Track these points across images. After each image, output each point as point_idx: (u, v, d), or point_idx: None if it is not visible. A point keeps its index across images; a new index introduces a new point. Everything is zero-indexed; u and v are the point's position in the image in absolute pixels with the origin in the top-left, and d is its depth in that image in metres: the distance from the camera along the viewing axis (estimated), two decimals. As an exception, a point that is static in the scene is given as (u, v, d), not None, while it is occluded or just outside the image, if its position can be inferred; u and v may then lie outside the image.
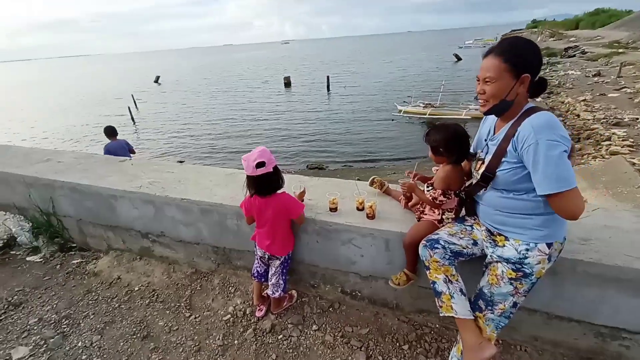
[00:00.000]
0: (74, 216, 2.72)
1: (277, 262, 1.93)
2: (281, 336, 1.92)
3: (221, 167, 2.73)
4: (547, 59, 26.99)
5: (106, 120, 20.85)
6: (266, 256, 1.93)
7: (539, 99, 15.48)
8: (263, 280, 2.01)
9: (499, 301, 1.32)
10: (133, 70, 75.67)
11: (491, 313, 1.35)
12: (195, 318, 2.08)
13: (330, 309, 2.10)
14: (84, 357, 1.85)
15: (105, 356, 1.85)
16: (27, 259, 2.72)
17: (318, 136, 14.97)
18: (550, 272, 1.49)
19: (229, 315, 2.07)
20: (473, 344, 1.34)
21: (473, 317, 1.37)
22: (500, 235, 1.33)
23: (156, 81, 42.06)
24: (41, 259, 2.71)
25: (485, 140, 1.39)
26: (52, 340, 1.94)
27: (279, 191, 1.79)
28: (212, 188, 2.32)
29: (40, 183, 2.69)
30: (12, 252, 2.79)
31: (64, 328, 2.04)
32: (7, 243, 2.80)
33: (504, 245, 1.30)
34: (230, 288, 2.30)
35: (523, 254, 1.24)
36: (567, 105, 14.64)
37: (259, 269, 2.00)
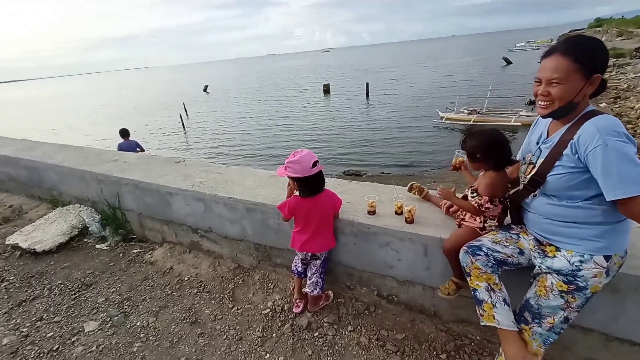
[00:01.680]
0: (136, 210, 3.04)
1: (318, 262, 2.00)
2: (317, 333, 1.98)
3: (264, 170, 2.89)
4: (614, 60, 24.34)
5: (160, 126, 22.78)
6: (307, 257, 2.00)
7: (603, 105, 14.03)
8: (303, 276, 2.09)
9: (548, 314, 1.26)
10: (185, 80, 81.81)
11: (538, 327, 1.29)
12: (237, 309, 2.22)
13: (366, 312, 2.11)
14: (141, 335, 2.06)
15: (159, 336, 2.05)
16: (97, 246, 3.08)
17: (356, 143, 14.94)
18: (610, 289, 1.39)
19: (268, 310, 2.18)
20: (516, 358, 1.28)
21: (517, 329, 1.32)
22: (550, 245, 1.27)
23: (205, 90, 45.02)
24: (107, 247, 3.06)
25: (537, 143, 1.33)
26: (116, 318, 2.19)
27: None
28: (255, 188, 2.47)
29: (109, 180, 3.05)
30: (84, 240, 3.18)
31: (126, 308, 2.29)
32: (81, 231, 3.21)
33: (554, 256, 1.24)
34: (270, 284, 2.41)
35: (576, 265, 1.17)
36: (639, 111, 13.07)
37: (299, 268, 2.08)
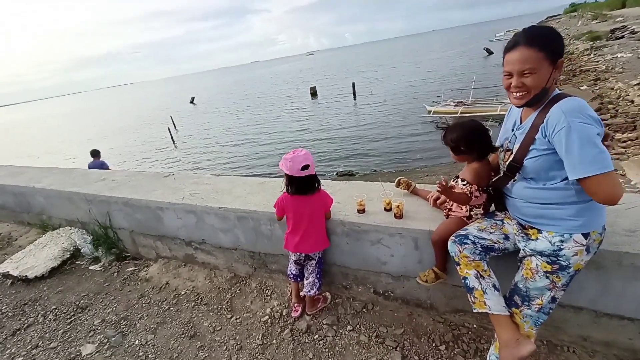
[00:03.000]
0: (127, 228, 3.02)
1: (314, 262, 2.01)
2: (317, 336, 1.99)
3: (253, 177, 2.89)
4: (591, 43, 24.91)
5: (149, 140, 22.58)
6: (302, 258, 2.01)
7: (583, 87, 14.34)
8: (299, 280, 2.10)
9: (536, 296, 1.29)
10: (171, 94, 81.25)
11: (528, 309, 1.32)
12: (236, 319, 2.21)
13: (364, 310, 2.13)
14: (140, 353, 2.04)
15: (158, 353, 2.03)
16: (90, 267, 3.04)
17: (346, 143, 15.01)
18: (593, 266, 1.43)
19: (267, 317, 2.18)
20: (509, 341, 1.31)
21: (508, 313, 1.34)
22: (532, 228, 1.31)
23: (192, 102, 44.77)
24: (101, 268, 3.02)
25: (512, 130, 1.37)
26: (113, 338, 2.17)
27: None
28: (245, 196, 2.47)
29: (98, 200, 3.02)
30: (77, 262, 3.14)
31: (123, 328, 2.27)
32: (73, 254, 3.17)
33: (537, 239, 1.28)
34: (267, 291, 2.41)
35: (557, 245, 1.21)
36: (618, 91, 13.36)
37: (294, 271, 2.09)
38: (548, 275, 1.24)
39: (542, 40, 1.15)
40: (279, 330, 2.07)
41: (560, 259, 1.21)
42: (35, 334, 2.31)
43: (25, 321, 2.45)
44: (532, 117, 1.25)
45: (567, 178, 1.16)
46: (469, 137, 1.50)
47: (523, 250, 1.34)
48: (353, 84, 27.65)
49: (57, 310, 2.52)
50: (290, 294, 2.28)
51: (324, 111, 23.62)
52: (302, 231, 1.92)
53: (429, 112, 16.51)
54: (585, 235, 1.18)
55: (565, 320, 1.62)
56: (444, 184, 1.47)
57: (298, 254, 1.99)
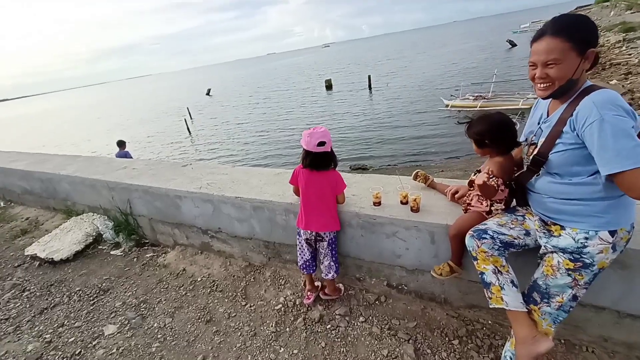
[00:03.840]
0: (146, 215, 3.11)
1: (325, 244, 2.00)
2: (329, 326, 2.01)
3: (269, 168, 2.92)
4: (624, 35, 23.56)
5: (166, 131, 23.07)
6: (313, 237, 2.00)
7: (613, 82, 13.63)
8: (312, 271, 2.11)
9: (556, 293, 1.26)
10: (188, 85, 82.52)
11: (547, 306, 1.29)
12: (250, 306, 2.26)
13: (377, 302, 2.13)
14: (159, 335, 2.12)
15: (176, 336, 2.11)
16: (111, 252, 3.17)
17: (361, 136, 14.89)
18: (619, 266, 1.38)
19: (280, 305, 2.21)
20: (526, 338, 1.28)
21: (526, 310, 1.32)
22: (555, 224, 1.26)
23: (208, 93, 45.33)
24: (122, 253, 3.14)
25: (538, 123, 1.33)
26: (133, 320, 2.26)
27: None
28: (261, 187, 2.50)
29: (119, 187, 3.13)
30: (99, 247, 3.28)
31: (142, 311, 2.36)
32: (95, 239, 3.30)
33: (559, 235, 1.24)
34: (281, 280, 2.45)
35: (582, 242, 1.17)
36: (651, 85, 12.65)
37: (305, 257, 2.08)
38: (570, 272, 1.20)
39: (570, 30, 1.10)
40: (292, 318, 2.11)
41: (584, 256, 1.17)
42: (61, 313, 2.43)
43: (52, 301, 2.58)
44: (560, 109, 1.20)
45: (594, 173, 1.12)
46: (495, 131, 1.46)
47: (544, 246, 1.30)
48: (369, 77, 27.29)
49: (81, 292, 2.64)
50: (304, 284, 2.30)
51: (339, 104, 23.45)
52: (310, 207, 1.95)
53: (447, 106, 16.15)
54: (612, 233, 1.14)
55: (585, 320, 1.58)
56: (489, 173, 1.40)
57: (309, 232, 1.98)
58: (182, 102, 36.98)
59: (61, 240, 3.25)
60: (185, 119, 23.11)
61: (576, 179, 1.17)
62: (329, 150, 1.89)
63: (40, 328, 2.32)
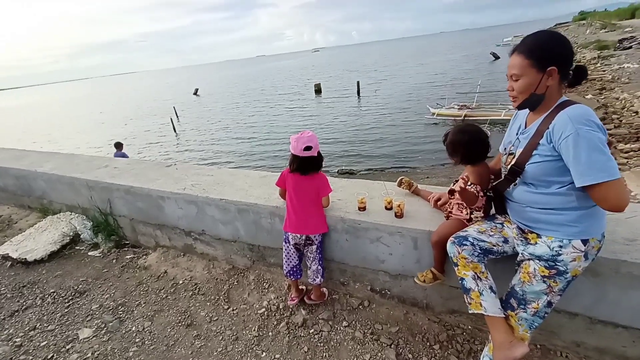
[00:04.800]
0: (127, 216, 3.03)
1: (314, 248, 2.00)
2: (312, 330, 2.00)
3: (255, 171, 2.90)
4: (598, 52, 24.81)
5: (151, 130, 22.57)
6: (302, 241, 1.99)
7: (589, 96, 14.30)
8: (299, 277, 2.10)
9: (532, 299, 1.30)
10: (175, 84, 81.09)
11: (524, 312, 1.33)
12: (233, 310, 2.23)
13: (360, 307, 2.14)
14: (137, 340, 2.06)
15: (155, 340, 2.05)
16: (89, 253, 3.06)
17: (348, 141, 15.01)
18: (591, 273, 1.44)
19: (264, 309, 2.19)
20: (503, 343, 1.32)
21: (504, 316, 1.36)
22: (532, 232, 1.31)
23: (195, 93, 44.70)
24: (100, 254, 3.04)
25: (517, 134, 1.39)
26: (110, 324, 2.19)
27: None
28: (247, 189, 2.48)
29: (99, 186, 3.03)
30: (76, 247, 3.16)
31: (120, 314, 2.28)
32: (72, 239, 3.18)
33: (536, 243, 1.29)
34: (265, 284, 2.43)
35: (556, 250, 1.22)
36: (623, 101, 13.31)
37: (292, 263, 2.07)
38: (545, 279, 1.25)
39: (531, 48, 1.20)
40: (275, 322, 2.09)
41: (558, 264, 1.22)
42: (34, 316, 2.33)
43: (24, 303, 2.47)
44: (537, 122, 1.26)
45: (569, 184, 1.17)
46: (467, 142, 1.53)
47: (521, 254, 1.34)
48: (357, 83, 27.59)
49: (55, 294, 2.54)
50: (288, 288, 2.29)
51: (328, 109, 23.60)
52: (297, 210, 1.95)
53: (433, 114, 16.50)
54: (584, 242, 1.19)
55: (559, 326, 1.64)
56: (466, 179, 1.47)
57: (298, 236, 1.97)
58: (168, 101, 36.29)
59: (36, 239, 3.12)
60: (171, 118, 22.68)
61: (551, 189, 1.22)
62: (315, 154, 1.90)
63: (11, 331, 2.21)
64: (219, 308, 2.26)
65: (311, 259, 2.04)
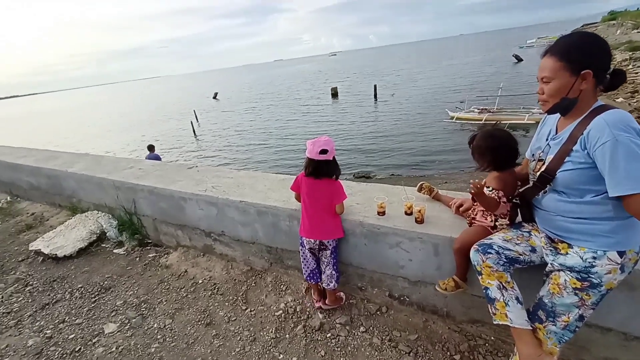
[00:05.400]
0: (150, 215, 3.13)
1: (328, 253, 2.00)
2: (329, 334, 2.00)
3: (274, 174, 2.93)
4: (630, 53, 23.62)
5: (173, 133, 23.27)
6: (316, 246, 1.99)
7: (619, 100, 13.63)
8: (319, 280, 2.10)
9: (562, 312, 1.24)
10: (195, 88, 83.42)
11: (553, 325, 1.27)
12: (250, 311, 2.25)
13: (378, 313, 2.12)
14: (159, 336, 2.12)
15: (175, 337, 2.10)
16: (114, 251, 3.18)
17: (365, 145, 14.93)
18: (626, 287, 1.37)
19: (281, 311, 2.20)
20: (530, 356, 1.27)
21: (531, 328, 1.30)
22: (562, 242, 1.26)
23: (214, 97, 45.78)
24: (124, 252, 3.15)
25: (547, 140, 1.33)
26: (134, 320, 2.26)
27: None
28: (266, 192, 2.51)
29: (125, 187, 3.15)
30: (102, 245, 3.29)
31: (143, 311, 2.36)
32: (99, 237, 3.32)
33: (566, 253, 1.23)
34: (282, 286, 2.44)
35: (589, 262, 1.16)
36: (657, 105, 12.63)
37: (311, 267, 2.08)
38: (577, 292, 1.20)
39: (565, 50, 1.15)
40: (292, 325, 2.10)
41: (592, 276, 1.16)
42: (63, 310, 2.44)
43: (54, 297, 2.59)
44: (570, 127, 1.21)
45: (603, 193, 1.12)
46: (496, 147, 1.47)
47: (551, 264, 1.29)
48: (375, 86, 27.47)
49: (82, 289, 2.65)
50: (305, 291, 2.30)
51: (344, 112, 23.58)
52: (311, 215, 1.95)
53: (451, 118, 16.19)
54: (621, 254, 1.13)
55: (591, 341, 1.56)
56: (478, 185, 1.41)
57: (312, 241, 1.98)
58: (188, 105, 37.32)
59: (65, 236, 3.27)
60: (191, 122, 23.31)
61: (585, 198, 1.17)
62: (331, 158, 1.90)
63: (42, 323, 2.32)
64: (237, 308, 2.29)
65: (325, 263, 2.04)
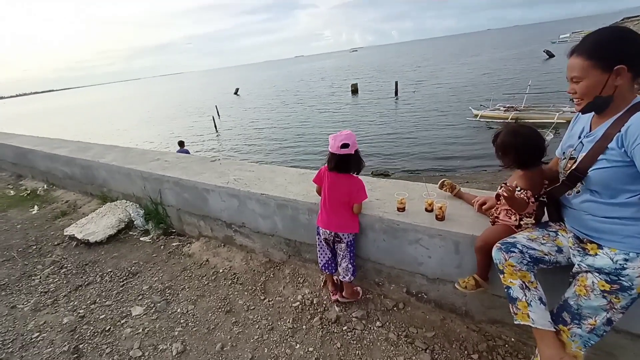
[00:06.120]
0: (175, 206, 3.26)
1: (343, 246, 2.02)
2: (345, 327, 2.02)
3: (294, 168, 2.97)
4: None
5: (195, 127, 23.93)
6: (331, 237, 2.02)
7: (660, 98, 12.71)
8: (334, 271, 2.13)
9: (588, 315, 1.20)
10: (217, 84, 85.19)
11: (578, 328, 1.23)
12: (268, 301, 2.31)
13: (395, 309, 2.12)
14: (182, 321, 2.21)
15: (197, 322, 2.19)
16: (141, 238, 3.34)
17: (384, 143, 14.76)
18: (660, 292, 1.29)
19: (298, 303, 2.25)
20: (552, 358, 1.24)
21: (554, 330, 1.27)
22: (591, 242, 1.21)
23: (236, 93, 46.59)
24: (150, 240, 3.30)
25: (579, 137, 1.28)
26: (159, 304, 2.37)
27: (355, 174, 1.97)
28: (286, 185, 2.55)
29: (152, 177, 3.29)
30: (130, 233, 3.46)
31: (167, 296, 2.47)
32: (127, 225, 3.49)
33: (595, 254, 1.19)
34: (299, 278, 2.48)
35: (620, 264, 1.12)
36: None
37: (325, 257, 2.11)
38: (605, 294, 1.15)
39: (591, 48, 1.11)
40: (308, 317, 2.13)
41: (622, 279, 1.11)
42: (94, 292, 2.60)
43: (86, 279, 2.76)
44: (605, 124, 1.16)
45: (638, 193, 1.07)
46: (522, 145, 1.42)
47: (578, 265, 1.25)
48: (396, 83, 27.03)
49: (112, 273, 2.80)
50: (323, 285, 2.33)
51: (364, 109, 23.39)
52: (332, 208, 1.97)
53: (475, 116, 15.68)
54: (655, 256, 1.08)
55: (619, 347, 1.49)
56: (511, 189, 1.37)
57: (327, 231, 2.00)
58: (210, 101, 38.19)
59: (96, 223, 3.46)
60: (213, 117, 23.86)
61: (619, 199, 1.12)
62: (353, 152, 1.89)
63: (75, 303, 2.48)
64: (256, 298, 2.36)
65: (341, 256, 2.06)
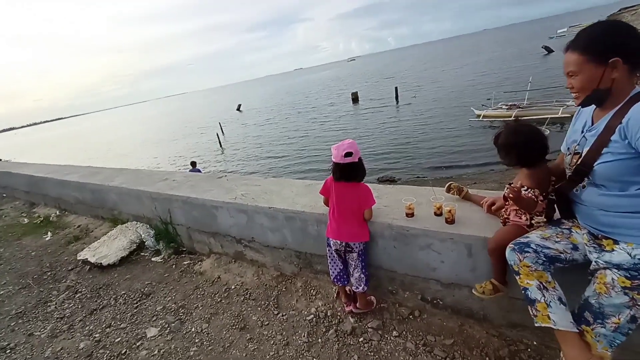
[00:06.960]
0: (184, 224, 3.28)
1: (355, 255, 2.00)
2: (362, 339, 1.98)
3: (300, 180, 2.99)
4: (676, 36, 21.69)
5: (201, 145, 24.26)
6: (342, 248, 2.00)
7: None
8: (346, 282, 2.11)
9: (611, 313, 1.17)
10: (220, 101, 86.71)
11: (602, 327, 1.20)
12: (282, 316, 2.29)
13: (411, 317, 2.08)
14: (197, 340, 2.20)
15: (212, 341, 2.18)
16: (152, 259, 3.36)
17: (389, 149, 14.76)
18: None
19: (312, 316, 2.22)
20: (579, 360, 1.20)
21: (577, 330, 1.23)
22: (607, 238, 1.19)
23: (238, 109, 47.29)
24: (161, 260, 3.32)
25: (582, 132, 1.28)
26: (173, 324, 2.37)
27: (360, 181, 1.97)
28: (293, 198, 2.56)
29: (161, 198, 3.33)
30: (141, 254, 3.49)
31: (181, 315, 2.46)
32: (139, 246, 3.52)
33: (612, 250, 1.16)
34: (312, 291, 2.46)
35: (639, 258, 1.09)
36: None
37: (337, 269, 2.09)
38: (627, 291, 1.12)
39: (584, 42, 1.13)
40: (323, 329, 2.11)
41: (643, 273, 1.09)
42: (109, 315, 2.61)
43: (101, 303, 2.77)
44: (606, 117, 1.15)
45: None
46: (523, 143, 1.42)
47: (595, 262, 1.22)
48: (396, 89, 27.18)
49: (126, 295, 2.82)
50: (336, 296, 2.30)
51: (366, 116, 23.49)
52: (341, 218, 1.96)
53: (478, 116, 15.63)
54: (675, 249, 1.05)
55: (648, 346, 1.44)
56: (516, 189, 1.36)
57: (338, 242, 1.99)
58: (214, 118, 38.77)
59: (108, 246, 3.50)
60: (217, 134, 24.20)
61: (629, 191, 1.10)
62: (357, 160, 1.91)
63: (91, 327, 2.49)
64: (269, 313, 2.34)
65: (353, 266, 2.04)
